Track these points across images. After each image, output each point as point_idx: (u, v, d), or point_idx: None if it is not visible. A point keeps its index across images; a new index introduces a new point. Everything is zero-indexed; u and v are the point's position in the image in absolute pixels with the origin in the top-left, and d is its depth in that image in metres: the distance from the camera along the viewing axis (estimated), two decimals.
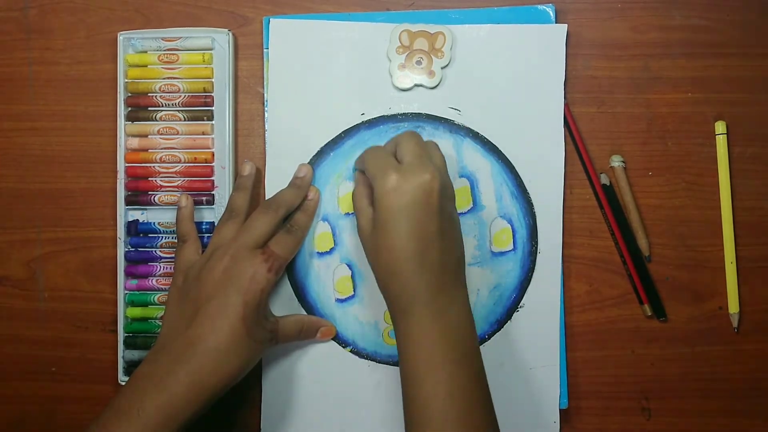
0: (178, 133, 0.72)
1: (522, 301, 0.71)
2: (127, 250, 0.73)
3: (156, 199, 0.72)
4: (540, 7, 0.72)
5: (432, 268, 0.61)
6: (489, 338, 0.71)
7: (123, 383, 0.73)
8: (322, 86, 0.72)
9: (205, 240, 0.71)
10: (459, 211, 0.71)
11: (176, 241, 0.71)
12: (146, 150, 0.73)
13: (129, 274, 0.73)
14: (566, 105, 0.72)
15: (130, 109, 0.73)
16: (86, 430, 0.61)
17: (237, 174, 0.72)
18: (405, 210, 0.60)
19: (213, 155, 0.73)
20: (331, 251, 0.72)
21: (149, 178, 0.73)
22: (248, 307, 0.63)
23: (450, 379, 0.60)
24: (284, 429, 0.71)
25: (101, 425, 0.61)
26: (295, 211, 0.71)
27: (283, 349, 0.71)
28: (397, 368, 0.71)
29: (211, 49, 0.73)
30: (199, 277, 0.65)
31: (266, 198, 0.71)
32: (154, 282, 0.72)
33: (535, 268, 0.71)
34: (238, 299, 0.63)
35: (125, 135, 0.73)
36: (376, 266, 0.63)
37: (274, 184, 0.71)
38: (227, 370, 0.62)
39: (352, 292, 0.72)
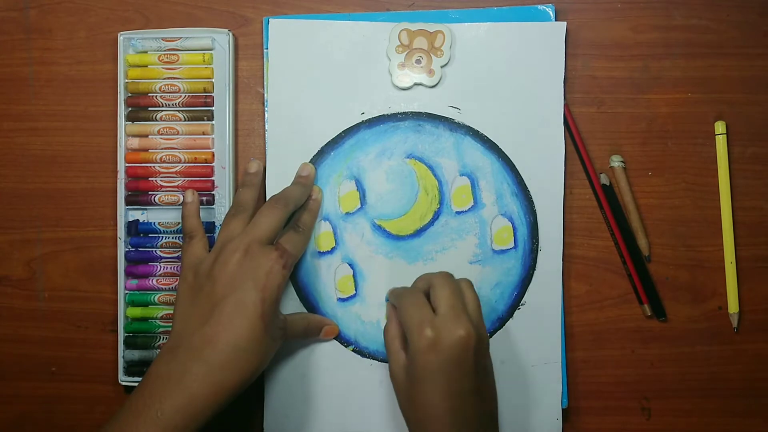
0: (178, 133, 0.72)
1: (523, 299, 0.71)
2: (127, 250, 0.73)
3: (156, 199, 0.72)
4: (540, 7, 0.72)
5: (467, 424, 0.61)
6: (491, 336, 0.71)
7: (123, 383, 0.73)
8: (322, 86, 0.72)
9: None
10: (460, 210, 0.72)
11: (182, 238, 0.70)
12: (146, 150, 0.73)
13: (129, 274, 0.73)
14: (566, 105, 0.72)
15: (130, 109, 0.73)
16: (100, 430, 0.61)
17: (239, 173, 0.72)
18: (440, 369, 0.60)
19: (213, 155, 0.73)
20: (332, 251, 0.72)
21: (149, 178, 0.73)
22: (266, 303, 0.63)
23: None
24: (287, 428, 0.71)
25: (118, 426, 0.60)
26: (300, 210, 0.70)
27: (286, 349, 0.71)
28: None
29: (211, 49, 0.73)
30: (212, 273, 0.64)
31: (266, 197, 0.71)
32: (154, 282, 0.72)
33: (537, 265, 0.71)
34: (256, 296, 0.62)
35: (125, 135, 0.73)
36: (408, 417, 0.63)
37: (275, 184, 0.71)
38: (247, 368, 0.62)
39: (354, 291, 0.72)
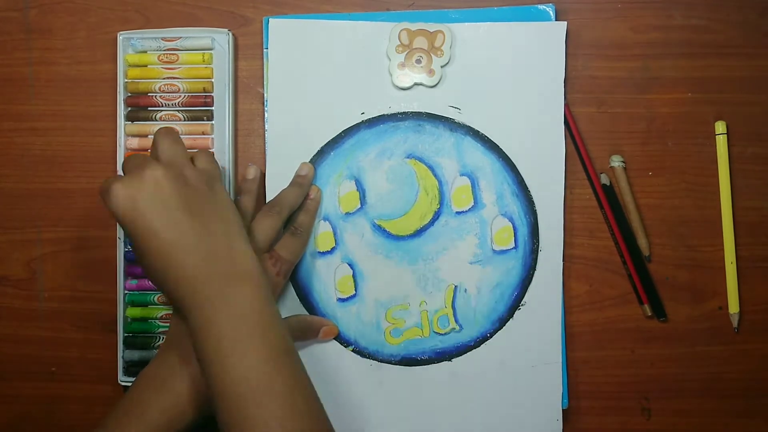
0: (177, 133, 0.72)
1: (524, 299, 0.71)
2: (127, 250, 0.73)
3: None
4: (540, 6, 0.72)
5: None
6: (491, 336, 0.71)
7: (123, 383, 0.73)
8: (322, 86, 0.72)
9: None
10: (460, 210, 0.72)
11: None
12: (146, 150, 0.73)
13: (129, 274, 0.73)
14: (566, 105, 0.72)
15: (130, 109, 0.73)
16: (95, 430, 0.61)
17: (238, 175, 0.72)
18: None
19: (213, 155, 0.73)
20: (332, 251, 0.72)
21: None
22: None
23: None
24: None
25: (107, 426, 0.60)
26: (298, 211, 0.70)
27: None
28: (399, 367, 0.71)
29: (211, 49, 0.73)
30: None
31: (267, 198, 0.71)
32: None
33: (537, 266, 0.71)
34: None
35: (125, 135, 0.73)
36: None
37: (275, 185, 0.71)
38: None
39: (354, 292, 0.72)
